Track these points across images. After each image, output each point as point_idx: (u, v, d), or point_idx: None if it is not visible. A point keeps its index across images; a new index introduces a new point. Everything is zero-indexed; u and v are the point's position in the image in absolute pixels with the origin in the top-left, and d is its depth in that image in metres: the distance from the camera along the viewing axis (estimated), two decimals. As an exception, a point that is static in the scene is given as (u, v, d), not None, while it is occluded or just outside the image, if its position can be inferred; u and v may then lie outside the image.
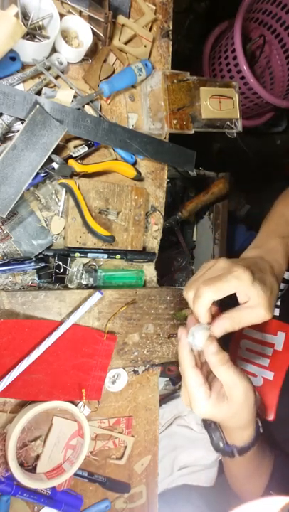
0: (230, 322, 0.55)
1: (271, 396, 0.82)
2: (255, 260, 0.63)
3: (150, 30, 0.80)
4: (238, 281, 0.54)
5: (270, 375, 0.83)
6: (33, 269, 0.69)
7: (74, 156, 0.71)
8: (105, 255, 0.76)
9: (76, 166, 0.70)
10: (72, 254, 0.72)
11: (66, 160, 0.70)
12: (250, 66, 1.42)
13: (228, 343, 0.97)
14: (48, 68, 0.68)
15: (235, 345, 0.94)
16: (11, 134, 0.66)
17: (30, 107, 0.64)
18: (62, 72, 0.70)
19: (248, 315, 0.55)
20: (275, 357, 0.84)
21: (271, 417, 0.82)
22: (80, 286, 0.74)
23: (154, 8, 0.80)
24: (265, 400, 0.83)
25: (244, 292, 0.55)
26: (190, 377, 0.57)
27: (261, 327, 0.89)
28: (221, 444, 0.69)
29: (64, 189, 0.72)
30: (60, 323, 0.67)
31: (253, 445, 0.67)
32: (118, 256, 0.77)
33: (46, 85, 0.69)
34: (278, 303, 0.89)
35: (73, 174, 0.71)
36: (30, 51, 0.65)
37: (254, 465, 0.73)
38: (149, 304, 0.77)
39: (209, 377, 0.61)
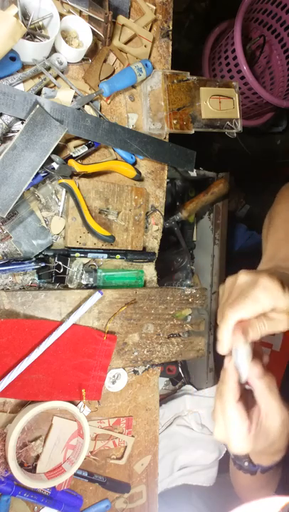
0: (253, 332, 0.50)
1: None
2: (276, 269, 0.57)
3: (150, 30, 0.80)
4: (269, 294, 0.48)
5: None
6: (33, 269, 0.69)
7: (74, 156, 0.71)
8: (105, 255, 0.76)
9: (76, 166, 0.70)
10: (72, 254, 0.72)
11: (66, 160, 0.70)
12: (250, 66, 1.42)
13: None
14: (48, 68, 0.68)
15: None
16: (11, 134, 0.66)
17: (30, 107, 0.64)
18: (63, 72, 0.70)
19: (275, 325, 0.50)
20: (272, 357, 0.84)
21: None
22: (80, 286, 0.74)
23: (154, 8, 0.80)
24: None
25: (274, 305, 0.49)
26: (233, 414, 0.50)
27: None
28: (246, 464, 0.64)
29: (64, 189, 0.72)
30: (60, 323, 0.67)
31: (278, 464, 0.63)
32: (118, 256, 0.77)
33: (46, 85, 0.69)
34: None
35: (73, 174, 0.71)
36: (30, 51, 0.65)
37: (268, 478, 0.69)
38: (149, 304, 0.77)
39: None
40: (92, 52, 0.74)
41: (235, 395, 0.50)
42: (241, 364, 0.50)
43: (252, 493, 0.76)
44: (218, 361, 1.21)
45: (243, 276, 0.52)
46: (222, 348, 0.50)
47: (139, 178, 0.79)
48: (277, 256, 0.67)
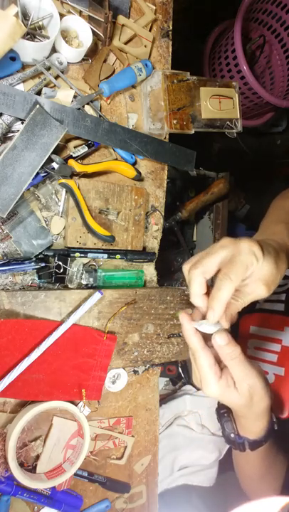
0: (236, 303, 0.53)
1: (284, 392, 0.81)
2: (263, 240, 0.60)
3: (150, 30, 0.80)
4: (252, 256, 0.51)
5: (280, 371, 0.83)
6: (33, 269, 0.69)
7: (74, 156, 0.71)
8: (105, 255, 0.76)
9: (76, 166, 0.70)
10: (72, 254, 0.72)
11: (66, 160, 0.70)
12: (250, 66, 1.42)
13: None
14: (48, 68, 0.68)
15: (244, 345, 0.94)
16: (11, 134, 0.66)
17: (30, 107, 0.64)
18: (62, 72, 0.70)
19: (252, 291, 0.53)
20: (283, 352, 0.84)
21: (285, 414, 0.80)
22: (80, 286, 0.74)
23: (154, 8, 0.80)
24: (277, 397, 0.83)
25: (255, 271, 0.53)
26: (200, 357, 0.55)
27: (267, 324, 0.89)
28: (232, 435, 0.68)
29: (64, 189, 0.72)
30: (60, 323, 0.67)
31: (266, 440, 0.66)
32: (118, 256, 0.77)
33: (46, 85, 0.69)
34: (283, 298, 0.88)
35: (73, 174, 0.71)
36: (30, 51, 0.65)
37: (267, 464, 0.72)
38: (149, 304, 0.77)
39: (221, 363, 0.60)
40: (92, 52, 0.74)
41: (199, 341, 0.55)
42: (208, 330, 0.55)
43: (255, 482, 0.77)
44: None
45: (226, 240, 0.55)
46: (213, 317, 0.53)
47: (139, 178, 0.79)
48: (267, 232, 0.69)
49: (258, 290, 0.53)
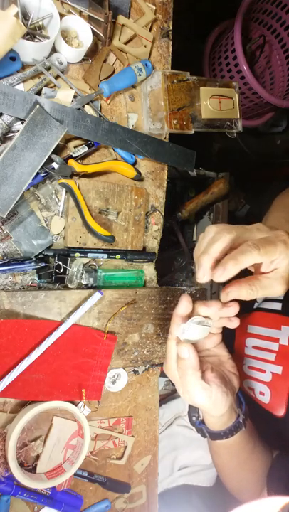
0: (248, 289, 0.51)
1: (281, 391, 0.81)
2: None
3: (150, 30, 0.80)
4: (286, 247, 0.49)
5: (278, 369, 0.83)
6: (33, 269, 0.69)
7: (74, 156, 0.71)
8: (105, 255, 0.76)
9: (76, 166, 0.70)
10: (72, 254, 0.72)
11: (66, 160, 0.70)
12: (250, 66, 1.42)
13: (233, 342, 0.97)
14: (48, 68, 0.68)
15: (241, 344, 0.94)
16: (11, 134, 0.66)
17: (30, 107, 0.64)
18: (63, 72, 0.70)
19: (270, 287, 0.51)
20: (281, 351, 0.84)
21: (281, 412, 0.81)
22: (80, 286, 0.74)
23: (154, 8, 0.80)
24: (274, 395, 0.83)
25: (281, 262, 0.51)
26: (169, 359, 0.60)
27: (265, 322, 0.89)
28: (194, 418, 0.71)
29: (64, 189, 0.72)
30: (60, 323, 0.67)
31: (226, 436, 0.68)
32: (118, 256, 0.77)
33: (46, 85, 0.69)
34: (280, 297, 0.88)
35: (73, 174, 0.71)
36: (30, 51, 0.65)
37: (242, 457, 0.74)
38: (149, 304, 0.77)
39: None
40: (92, 52, 0.74)
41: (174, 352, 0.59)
42: (185, 333, 0.56)
43: (229, 472, 0.80)
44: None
45: (260, 225, 0.54)
46: (220, 275, 0.50)
47: (139, 178, 0.79)
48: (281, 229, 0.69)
49: (277, 287, 0.51)
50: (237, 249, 0.49)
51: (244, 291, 0.51)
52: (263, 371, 0.86)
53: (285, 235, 0.51)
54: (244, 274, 0.52)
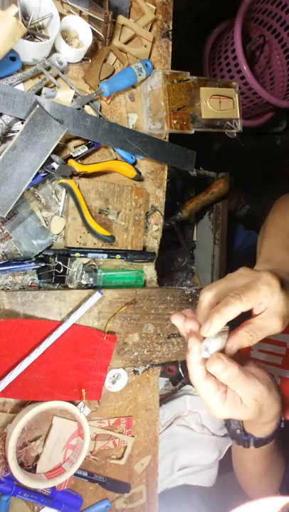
0: (248, 336, 0.51)
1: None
2: (275, 271, 0.59)
3: (150, 30, 0.80)
4: (269, 290, 0.50)
5: (286, 373, 0.83)
6: (33, 269, 0.69)
7: (74, 156, 0.71)
8: (105, 255, 0.76)
9: (76, 166, 0.70)
10: (72, 254, 0.72)
11: (66, 160, 0.70)
12: (250, 66, 1.42)
13: None
14: (48, 68, 0.68)
15: (247, 348, 0.94)
16: (11, 134, 0.66)
17: (30, 107, 0.64)
18: (63, 72, 0.70)
19: (267, 326, 0.51)
20: (288, 355, 0.84)
21: None
22: (80, 286, 0.74)
23: (154, 8, 0.80)
24: (283, 399, 0.83)
25: (268, 301, 0.51)
26: (202, 390, 0.53)
27: None
28: (238, 432, 0.67)
29: (64, 189, 0.72)
30: (60, 323, 0.67)
31: (271, 439, 0.66)
32: (118, 256, 0.77)
33: (46, 85, 0.69)
34: None
35: (73, 174, 0.71)
36: (30, 51, 0.65)
37: (268, 462, 0.72)
38: (149, 304, 0.77)
39: None
40: (92, 52, 0.74)
41: (201, 374, 0.52)
42: (209, 351, 0.51)
43: (255, 479, 0.77)
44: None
45: (243, 269, 0.54)
46: (206, 330, 0.50)
47: (139, 178, 0.79)
48: (274, 260, 0.68)
49: (274, 325, 0.52)
50: (221, 302, 0.50)
51: (245, 340, 0.51)
52: (271, 375, 0.86)
53: (268, 276, 0.51)
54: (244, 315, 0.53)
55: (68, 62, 0.72)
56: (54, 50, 0.69)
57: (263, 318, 0.52)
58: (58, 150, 0.70)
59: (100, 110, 0.75)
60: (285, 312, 0.52)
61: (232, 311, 0.49)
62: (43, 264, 0.69)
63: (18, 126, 0.66)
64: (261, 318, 0.52)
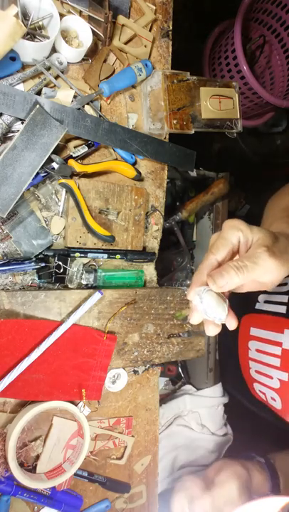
0: (232, 265, 0.50)
1: None
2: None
3: (150, 30, 0.80)
4: (232, 227, 0.53)
5: (284, 376, 0.83)
6: (33, 269, 0.69)
7: (74, 156, 0.71)
8: (105, 255, 0.76)
9: (76, 166, 0.70)
10: (72, 254, 0.72)
11: (66, 160, 0.70)
12: (250, 66, 1.42)
13: (237, 345, 0.97)
14: (48, 68, 0.68)
15: (244, 348, 0.94)
16: (11, 134, 0.66)
17: (30, 107, 0.64)
18: (63, 72, 0.70)
19: (253, 255, 0.51)
20: (285, 356, 0.84)
21: None
22: (80, 286, 0.74)
23: (154, 8, 0.80)
24: (285, 402, 0.83)
25: (243, 235, 0.53)
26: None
27: (268, 326, 0.89)
28: None
29: (64, 189, 0.72)
30: (60, 323, 0.67)
31: None
32: (118, 256, 0.77)
33: (46, 85, 0.69)
34: (285, 300, 0.88)
35: (73, 174, 0.71)
36: (30, 51, 0.65)
37: None
38: (149, 304, 0.77)
39: None
40: (92, 52, 0.74)
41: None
42: (208, 310, 0.52)
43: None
44: (218, 361, 1.21)
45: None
46: (189, 293, 0.54)
47: (139, 178, 0.79)
48: (271, 227, 0.69)
49: (259, 251, 0.51)
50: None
51: (231, 270, 0.50)
52: (270, 377, 0.86)
53: (228, 221, 0.54)
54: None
55: (68, 62, 0.72)
56: (54, 50, 0.69)
57: (249, 249, 0.53)
58: (58, 150, 0.70)
59: (100, 110, 0.75)
60: (267, 241, 0.53)
61: (207, 263, 0.53)
62: (43, 264, 0.69)
63: (18, 126, 0.66)
64: (248, 251, 0.53)
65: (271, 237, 0.54)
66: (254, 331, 0.92)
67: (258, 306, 0.94)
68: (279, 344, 0.85)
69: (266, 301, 0.91)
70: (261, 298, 0.93)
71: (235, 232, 0.53)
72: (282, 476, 0.78)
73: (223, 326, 0.56)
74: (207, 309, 0.52)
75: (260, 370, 0.89)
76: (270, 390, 0.86)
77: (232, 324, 0.54)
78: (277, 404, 0.85)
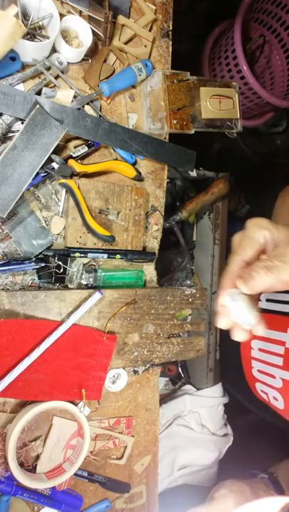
0: (261, 265, 0.49)
1: None
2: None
3: (150, 30, 0.80)
4: (256, 226, 0.52)
5: (287, 375, 0.82)
6: (33, 269, 0.69)
7: (74, 156, 0.71)
8: (105, 255, 0.76)
9: (76, 166, 0.70)
10: (72, 254, 0.72)
11: (66, 160, 0.70)
12: (250, 66, 1.42)
13: (239, 345, 0.97)
14: (48, 68, 0.68)
15: (247, 347, 0.94)
16: (11, 134, 0.66)
17: (30, 107, 0.64)
18: (63, 72, 0.70)
19: (282, 253, 0.50)
20: (288, 355, 0.83)
21: None
22: (80, 286, 0.74)
23: (154, 8, 0.80)
24: (288, 401, 0.82)
25: (270, 234, 0.51)
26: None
27: (271, 325, 0.89)
28: None
29: (64, 189, 0.72)
30: (60, 323, 0.67)
31: None
32: (118, 256, 0.77)
33: (46, 85, 0.69)
34: (287, 299, 0.88)
35: (73, 174, 0.71)
36: (30, 51, 0.65)
37: None
38: (149, 304, 0.77)
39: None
40: (92, 52, 0.74)
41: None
42: (240, 314, 0.50)
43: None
44: (219, 361, 1.21)
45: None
46: (221, 298, 0.52)
47: (139, 178, 0.79)
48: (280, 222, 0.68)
49: (287, 249, 0.50)
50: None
51: (260, 270, 0.49)
52: (273, 377, 0.86)
53: (251, 220, 0.54)
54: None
55: (68, 62, 0.72)
56: (54, 50, 0.69)
57: (277, 248, 0.51)
58: (58, 150, 0.70)
59: (100, 110, 0.75)
60: None
61: (234, 265, 0.51)
62: (43, 264, 0.69)
63: (18, 126, 0.66)
64: (275, 249, 0.51)
65: None
66: None
67: (260, 305, 0.94)
68: (282, 343, 0.85)
69: (268, 300, 0.91)
70: (263, 296, 0.93)
71: (262, 231, 0.52)
72: (288, 489, 0.77)
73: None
74: (239, 313, 0.50)
75: (262, 370, 0.89)
76: (272, 390, 0.86)
77: (260, 330, 0.52)
78: (279, 404, 0.85)
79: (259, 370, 0.90)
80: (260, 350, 0.90)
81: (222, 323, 0.53)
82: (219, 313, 0.53)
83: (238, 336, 0.53)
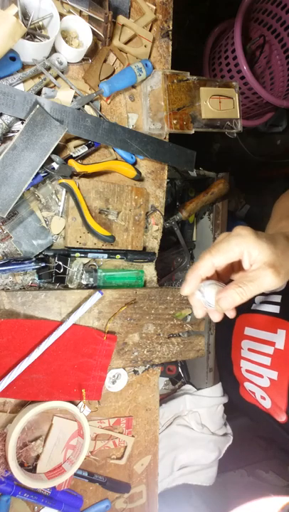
0: (236, 288, 0.49)
1: (280, 397, 0.81)
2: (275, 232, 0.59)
3: (150, 30, 0.80)
4: (239, 238, 0.50)
5: (274, 375, 0.83)
6: (33, 269, 0.69)
7: (74, 156, 0.71)
8: (105, 255, 0.76)
9: (76, 166, 0.70)
10: (72, 254, 0.72)
11: (66, 160, 0.70)
12: (250, 66, 1.42)
13: (230, 344, 0.97)
14: (48, 68, 0.68)
15: (237, 347, 0.94)
16: (11, 134, 0.66)
17: (30, 107, 0.64)
18: (63, 72, 0.70)
19: (257, 276, 0.49)
20: (276, 356, 0.84)
21: (283, 418, 0.81)
22: (80, 286, 0.74)
23: (154, 8, 0.80)
24: (275, 401, 0.83)
25: (248, 251, 0.50)
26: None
27: (261, 325, 0.89)
28: None
29: (64, 189, 0.72)
30: (60, 323, 0.67)
31: None
32: (118, 256, 0.77)
33: (46, 85, 0.69)
34: (278, 300, 0.88)
35: (73, 174, 0.71)
36: (30, 51, 0.65)
37: None
38: (149, 304, 0.77)
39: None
40: (92, 52, 0.74)
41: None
42: (210, 302, 0.53)
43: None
44: (219, 361, 1.21)
45: (223, 233, 0.56)
46: (183, 289, 0.54)
47: (139, 178, 0.79)
48: (275, 228, 0.69)
49: (265, 274, 0.49)
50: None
51: (234, 293, 0.49)
52: (261, 376, 0.86)
53: (238, 227, 0.52)
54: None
55: (68, 62, 0.72)
56: (54, 50, 0.69)
57: (253, 270, 0.51)
58: (58, 150, 0.70)
59: (100, 110, 0.75)
60: (274, 260, 0.50)
61: (203, 264, 0.51)
62: (43, 264, 0.69)
63: (18, 126, 0.66)
64: (251, 270, 0.51)
65: (275, 252, 0.51)
66: (248, 331, 0.92)
67: (253, 307, 0.94)
68: (272, 344, 0.85)
69: (262, 302, 0.92)
70: (258, 299, 0.94)
71: (242, 246, 0.50)
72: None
73: (222, 327, 0.57)
74: (209, 301, 0.53)
75: (250, 369, 0.89)
76: (259, 389, 0.86)
77: (230, 312, 0.54)
78: (266, 403, 0.85)
79: (247, 370, 0.90)
80: (250, 350, 0.90)
81: (198, 314, 0.56)
82: (193, 305, 0.57)
83: (215, 318, 0.56)
